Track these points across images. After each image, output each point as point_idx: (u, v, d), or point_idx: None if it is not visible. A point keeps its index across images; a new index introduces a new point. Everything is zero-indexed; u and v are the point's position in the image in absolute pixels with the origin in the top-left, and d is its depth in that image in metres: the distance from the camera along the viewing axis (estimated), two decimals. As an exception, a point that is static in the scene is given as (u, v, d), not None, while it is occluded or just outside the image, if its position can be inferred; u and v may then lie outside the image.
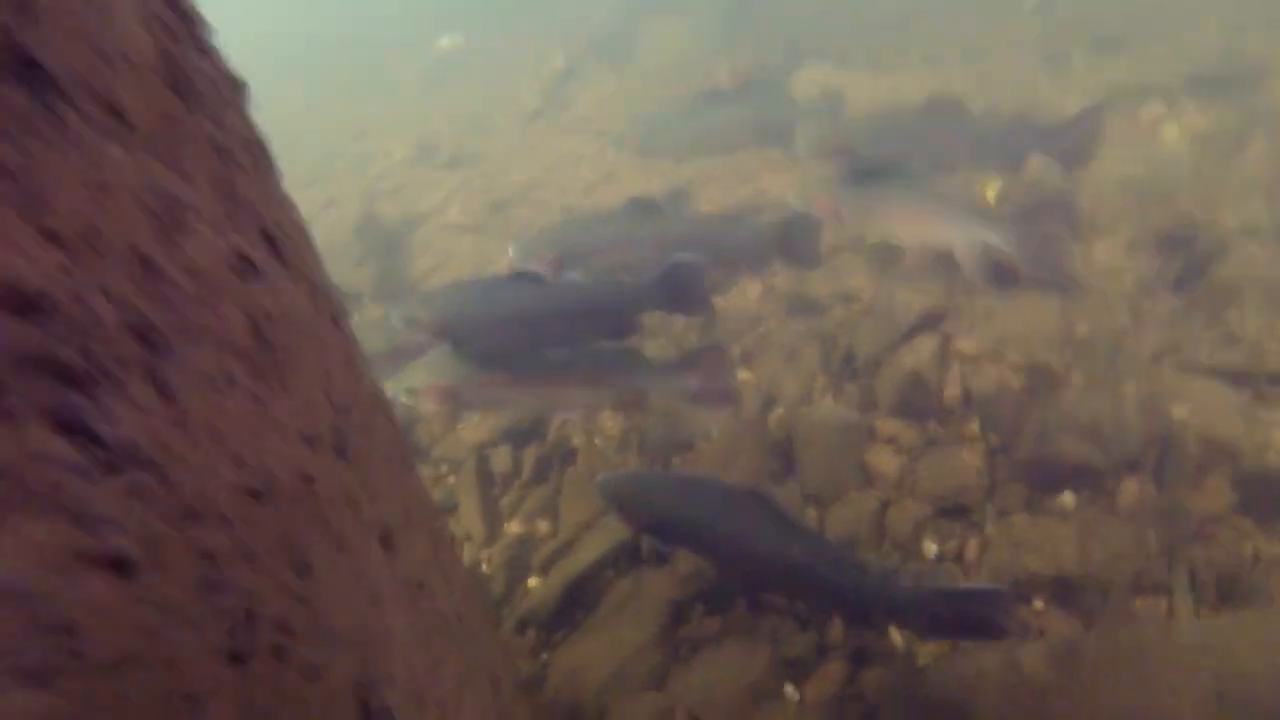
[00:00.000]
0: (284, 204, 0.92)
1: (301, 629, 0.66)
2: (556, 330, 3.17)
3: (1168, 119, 5.52)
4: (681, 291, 3.28)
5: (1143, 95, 6.02)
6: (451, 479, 4.26)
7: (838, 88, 4.79)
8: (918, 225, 3.58)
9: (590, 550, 3.47)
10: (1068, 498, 2.86)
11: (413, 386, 3.21)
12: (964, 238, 3.45)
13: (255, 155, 0.85)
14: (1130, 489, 2.79)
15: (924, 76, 7.64)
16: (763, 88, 5.03)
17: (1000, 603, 2.22)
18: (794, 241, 3.55)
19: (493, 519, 3.93)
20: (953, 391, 3.37)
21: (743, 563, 2.62)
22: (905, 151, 3.87)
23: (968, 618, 2.24)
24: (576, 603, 3.32)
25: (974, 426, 3.24)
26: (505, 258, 6.06)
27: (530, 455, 4.11)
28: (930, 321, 3.75)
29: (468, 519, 3.93)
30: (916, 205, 3.56)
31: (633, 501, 2.76)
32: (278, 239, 0.79)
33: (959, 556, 2.87)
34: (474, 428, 4.34)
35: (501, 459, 4.13)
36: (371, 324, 4.82)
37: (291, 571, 0.65)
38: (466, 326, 3.21)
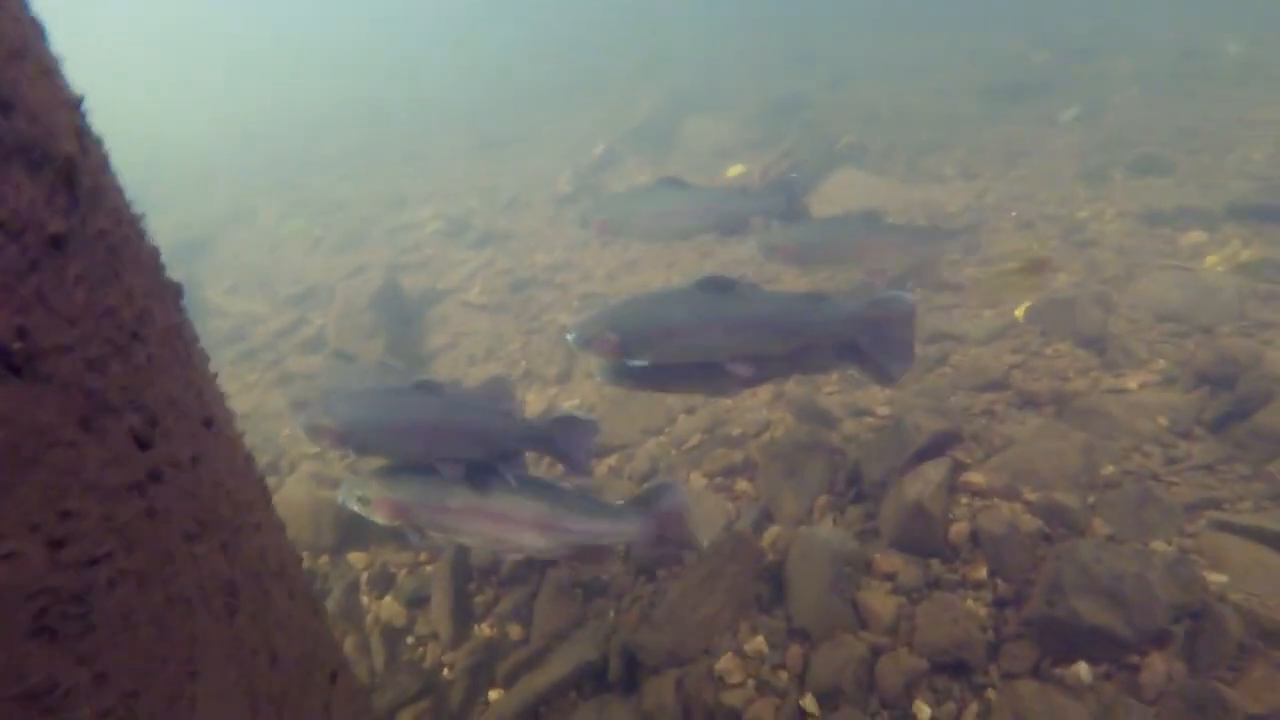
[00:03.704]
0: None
1: None
2: (454, 442, 3.11)
3: (1210, 247, 5.29)
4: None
5: (1183, 219, 5.82)
6: (429, 568, 4.06)
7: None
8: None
9: (556, 667, 3.22)
10: (1082, 668, 2.49)
11: (365, 496, 3.17)
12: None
13: None
14: (1157, 666, 2.41)
15: (959, 189, 7.59)
16: (780, 185, 4.93)
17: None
18: (884, 330, 3.18)
19: (462, 619, 3.69)
20: (961, 528, 3.07)
21: None
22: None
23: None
24: (534, 727, 3.05)
25: (981, 570, 2.93)
26: (523, 341, 6.05)
27: (512, 551, 3.89)
28: (941, 445, 3.48)
29: (437, 616, 3.71)
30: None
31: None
32: None
33: (955, 724, 2.53)
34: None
35: (482, 552, 3.92)
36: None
37: None
38: (369, 436, 3.16)
